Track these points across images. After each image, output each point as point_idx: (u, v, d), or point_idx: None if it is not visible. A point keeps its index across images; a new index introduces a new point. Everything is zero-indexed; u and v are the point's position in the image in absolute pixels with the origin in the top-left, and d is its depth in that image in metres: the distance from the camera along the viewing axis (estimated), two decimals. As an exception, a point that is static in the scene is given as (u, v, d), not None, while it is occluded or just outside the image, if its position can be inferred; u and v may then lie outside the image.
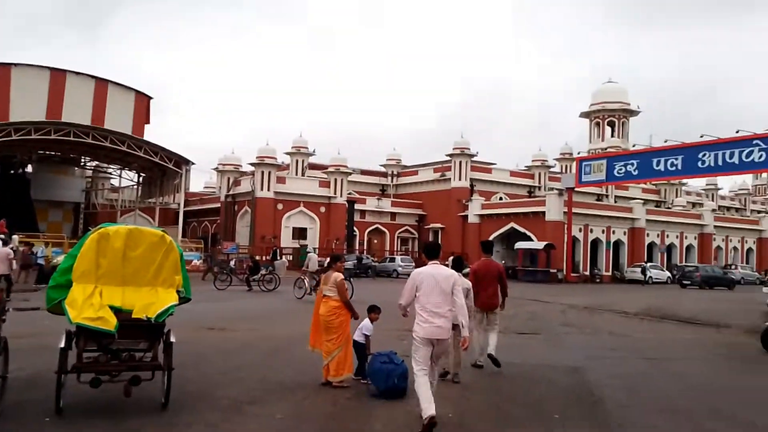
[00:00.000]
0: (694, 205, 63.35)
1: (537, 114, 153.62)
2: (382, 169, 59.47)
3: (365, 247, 50.15)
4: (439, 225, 51.99)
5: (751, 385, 8.74)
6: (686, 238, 50.33)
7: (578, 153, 50.14)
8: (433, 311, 5.62)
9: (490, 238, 47.12)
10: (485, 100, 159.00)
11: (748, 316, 17.82)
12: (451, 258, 8.94)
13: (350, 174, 50.12)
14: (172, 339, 6.14)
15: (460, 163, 50.73)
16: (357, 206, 49.41)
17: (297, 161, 52.78)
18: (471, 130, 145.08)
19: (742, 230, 54.43)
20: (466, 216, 49.48)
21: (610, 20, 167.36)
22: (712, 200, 69.09)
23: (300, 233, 47.25)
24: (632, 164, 36.65)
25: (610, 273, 45.38)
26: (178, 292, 6.43)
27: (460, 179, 50.80)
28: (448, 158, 51.54)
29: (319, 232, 47.50)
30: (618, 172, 37.62)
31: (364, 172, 57.27)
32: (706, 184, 77.31)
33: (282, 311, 16.58)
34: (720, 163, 31.73)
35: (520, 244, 42.58)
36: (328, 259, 9.57)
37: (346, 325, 7.52)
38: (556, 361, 9.66)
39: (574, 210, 42.14)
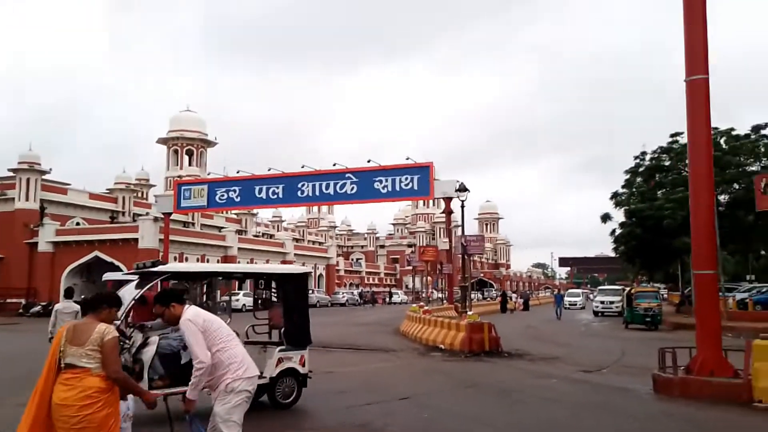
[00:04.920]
0: (263, 234, 67.43)
1: (118, 138, 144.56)
2: None
3: None
4: (-4, 255, 42.03)
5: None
6: (269, 262, 52.95)
7: (172, 178, 47.71)
8: None
9: (69, 267, 40.67)
10: (57, 120, 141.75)
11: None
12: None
13: None
14: None
15: (28, 180, 42.15)
16: None
17: None
18: (41, 149, 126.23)
19: (315, 257, 60.29)
20: (36, 243, 41.28)
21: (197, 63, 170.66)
22: (278, 230, 75.08)
23: None
24: (234, 191, 36.10)
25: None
26: None
27: (27, 199, 42.10)
28: (12, 174, 42.28)
29: None
30: (220, 199, 36.51)
31: None
32: (273, 216, 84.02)
33: None
34: (317, 193, 33.81)
35: (109, 275, 37.14)
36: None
37: (114, 420, 4.00)
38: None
39: (170, 237, 39.52)
